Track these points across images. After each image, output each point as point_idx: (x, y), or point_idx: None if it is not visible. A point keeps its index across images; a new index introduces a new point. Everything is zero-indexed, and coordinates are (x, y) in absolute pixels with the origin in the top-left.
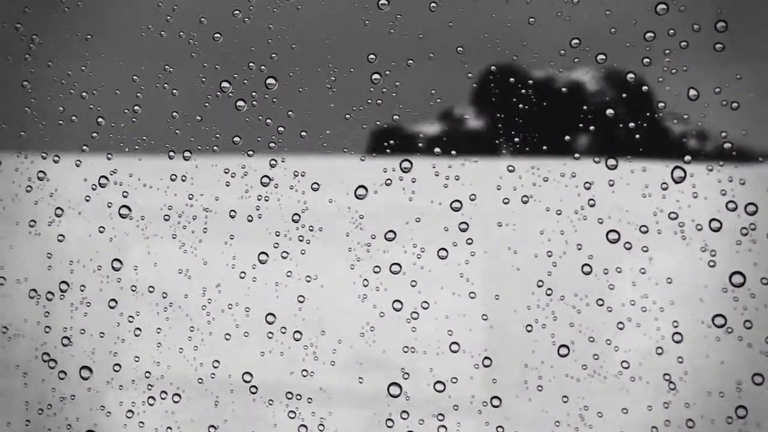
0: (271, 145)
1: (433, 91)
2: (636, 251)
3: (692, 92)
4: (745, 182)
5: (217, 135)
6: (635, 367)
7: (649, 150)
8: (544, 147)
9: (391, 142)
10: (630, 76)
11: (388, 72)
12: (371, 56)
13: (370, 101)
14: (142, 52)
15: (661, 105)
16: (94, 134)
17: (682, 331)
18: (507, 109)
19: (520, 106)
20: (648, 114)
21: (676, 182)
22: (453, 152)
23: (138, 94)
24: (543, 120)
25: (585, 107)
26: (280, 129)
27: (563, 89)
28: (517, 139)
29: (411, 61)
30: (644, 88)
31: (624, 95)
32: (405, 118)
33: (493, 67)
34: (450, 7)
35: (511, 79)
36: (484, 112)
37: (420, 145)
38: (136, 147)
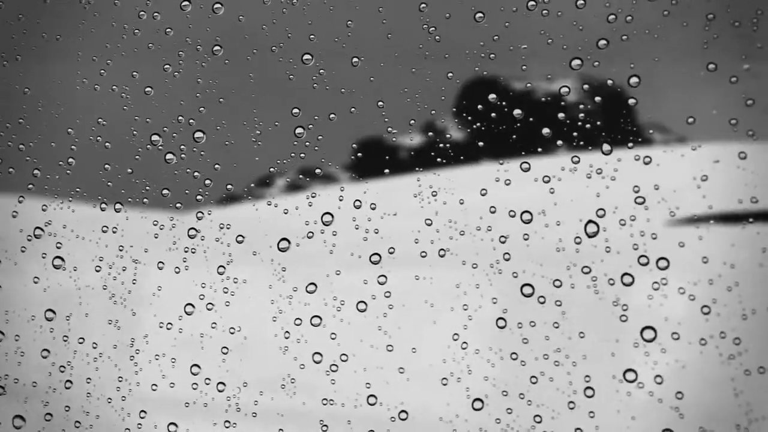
0: (198, 197)
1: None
2: (549, 305)
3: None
4: (657, 236)
5: (147, 187)
6: (547, 422)
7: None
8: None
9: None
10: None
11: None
12: (295, 110)
13: (293, 154)
14: (75, 104)
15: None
16: (30, 185)
17: (594, 385)
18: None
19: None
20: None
21: (590, 236)
22: (373, 206)
23: (72, 147)
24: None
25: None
26: (207, 182)
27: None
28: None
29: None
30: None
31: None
32: (385, 130)
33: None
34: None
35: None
36: (465, 124)
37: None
38: (70, 198)
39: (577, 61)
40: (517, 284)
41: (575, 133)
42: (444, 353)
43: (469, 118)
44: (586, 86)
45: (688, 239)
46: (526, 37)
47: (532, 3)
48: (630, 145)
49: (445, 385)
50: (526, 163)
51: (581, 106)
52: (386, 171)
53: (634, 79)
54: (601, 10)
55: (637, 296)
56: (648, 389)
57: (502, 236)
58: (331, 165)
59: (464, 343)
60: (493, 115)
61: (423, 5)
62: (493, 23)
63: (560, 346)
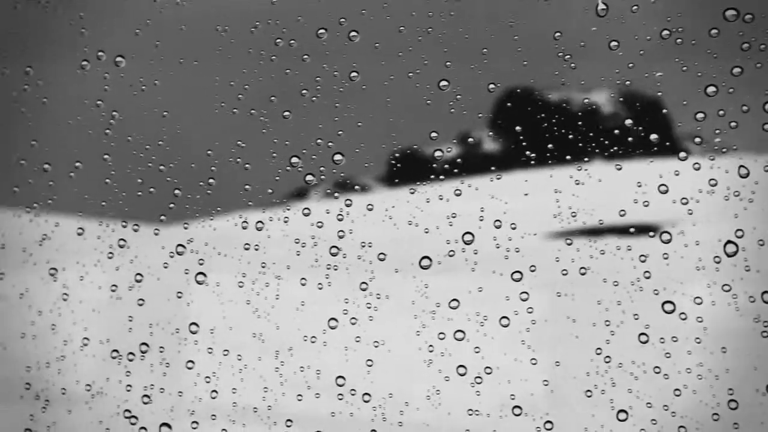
0: (339, 216)
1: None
2: (691, 321)
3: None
4: None
5: (288, 207)
6: None
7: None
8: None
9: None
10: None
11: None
12: (433, 134)
13: (432, 176)
14: (214, 127)
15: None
16: (171, 204)
17: (738, 398)
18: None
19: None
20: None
21: (729, 256)
22: (513, 225)
23: (212, 168)
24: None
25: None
26: (347, 202)
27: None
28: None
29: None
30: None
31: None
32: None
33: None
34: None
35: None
36: (501, 135)
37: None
38: (211, 218)
39: (712, 88)
40: (659, 301)
41: (712, 158)
42: (587, 366)
43: (606, 142)
44: (721, 112)
45: None
46: (660, 61)
47: (666, 33)
48: (767, 167)
49: (589, 396)
50: (664, 185)
51: (717, 131)
52: (526, 194)
53: None
54: (734, 39)
55: None
56: None
57: (642, 255)
58: (471, 186)
59: (607, 357)
60: (630, 139)
61: (557, 34)
62: (628, 52)
63: (702, 361)
